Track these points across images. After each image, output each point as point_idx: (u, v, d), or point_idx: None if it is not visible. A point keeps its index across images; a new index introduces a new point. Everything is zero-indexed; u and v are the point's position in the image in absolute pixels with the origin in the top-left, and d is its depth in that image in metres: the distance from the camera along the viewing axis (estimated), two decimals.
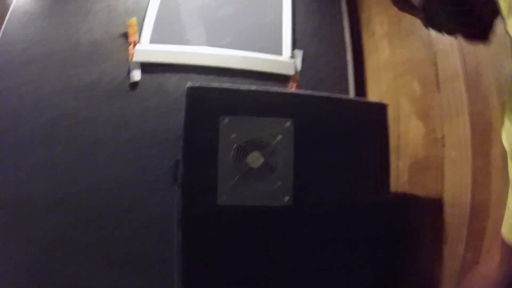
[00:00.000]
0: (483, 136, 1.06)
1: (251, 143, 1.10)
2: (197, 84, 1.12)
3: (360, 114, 1.22)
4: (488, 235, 1.02)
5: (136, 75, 1.59)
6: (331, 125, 1.17)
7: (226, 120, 1.10)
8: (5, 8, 1.68)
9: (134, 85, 1.60)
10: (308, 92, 1.22)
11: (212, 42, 1.67)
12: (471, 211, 1.09)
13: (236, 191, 1.09)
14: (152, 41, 1.64)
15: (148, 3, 1.68)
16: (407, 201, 1.39)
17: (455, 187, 1.16)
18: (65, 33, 1.65)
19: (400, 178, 1.45)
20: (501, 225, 0.63)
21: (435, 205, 1.23)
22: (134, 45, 1.61)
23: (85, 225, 1.50)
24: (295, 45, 1.68)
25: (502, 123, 0.61)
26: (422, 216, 1.32)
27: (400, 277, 1.36)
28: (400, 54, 1.53)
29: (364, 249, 1.19)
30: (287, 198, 1.11)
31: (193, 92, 1.11)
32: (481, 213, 1.04)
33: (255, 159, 1.10)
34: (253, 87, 1.19)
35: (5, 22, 1.65)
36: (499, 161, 0.99)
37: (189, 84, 1.11)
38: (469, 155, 1.11)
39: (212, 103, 1.12)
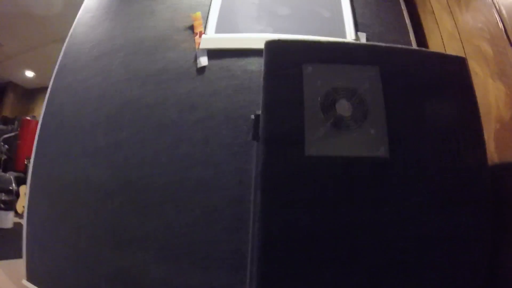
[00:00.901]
0: None
1: (339, 91, 1.04)
2: (276, 38, 1.09)
3: (443, 66, 1.16)
4: None
5: (203, 60, 1.60)
6: (416, 76, 1.10)
7: (309, 68, 1.05)
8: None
9: (201, 70, 1.60)
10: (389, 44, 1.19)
11: (275, 30, 1.70)
12: None
13: (326, 141, 1.00)
14: (218, 32, 1.69)
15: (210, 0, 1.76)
16: (500, 172, 1.24)
17: None
18: (131, 31, 1.73)
19: (487, 149, 1.34)
20: None
21: None
22: (201, 35, 1.65)
23: (143, 213, 1.41)
24: (357, 28, 1.67)
25: None
26: None
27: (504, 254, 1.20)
28: (464, 22, 1.50)
29: (466, 218, 1.02)
30: (383, 148, 1.01)
31: (272, 46, 1.08)
32: None
33: (344, 106, 1.03)
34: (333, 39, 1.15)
35: (73, 26, 1.79)
36: None
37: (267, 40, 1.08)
38: None
39: (293, 55, 1.07)
